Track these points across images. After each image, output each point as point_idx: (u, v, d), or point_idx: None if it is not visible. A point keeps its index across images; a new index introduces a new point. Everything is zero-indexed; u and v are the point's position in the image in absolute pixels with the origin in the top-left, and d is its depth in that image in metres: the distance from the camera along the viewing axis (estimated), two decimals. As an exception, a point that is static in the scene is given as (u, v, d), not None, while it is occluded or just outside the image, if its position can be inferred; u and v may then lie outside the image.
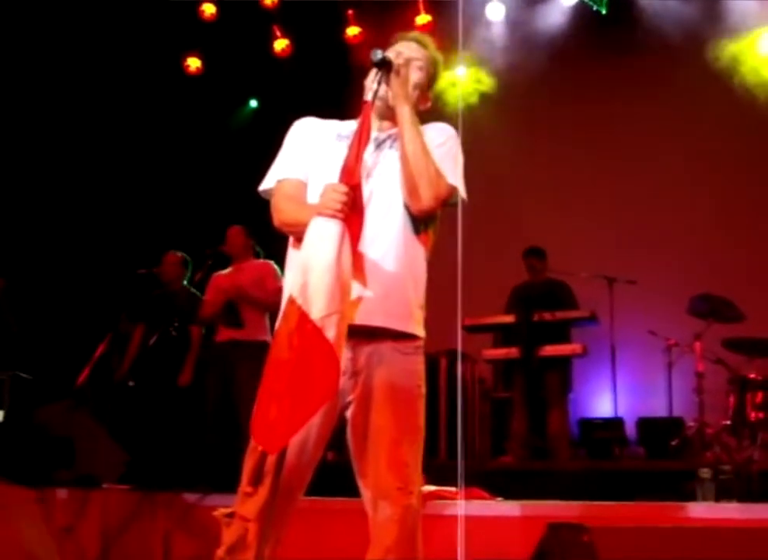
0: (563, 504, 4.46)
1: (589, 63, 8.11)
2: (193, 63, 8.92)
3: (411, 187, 2.56)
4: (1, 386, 5.00)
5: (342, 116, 2.85)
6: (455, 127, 2.85)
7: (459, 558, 2.78)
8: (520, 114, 8.18)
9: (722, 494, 4.50)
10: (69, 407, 6.12)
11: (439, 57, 2.84)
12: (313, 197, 2.58)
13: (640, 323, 7.09)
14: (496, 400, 7.29)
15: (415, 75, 2.71)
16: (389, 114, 2.68)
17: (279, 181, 2.70)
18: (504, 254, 7.59)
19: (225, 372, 6.08)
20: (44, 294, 7.78)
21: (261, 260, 6.43)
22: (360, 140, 2.47)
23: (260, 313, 6.16)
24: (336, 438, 2.59)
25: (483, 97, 8.34)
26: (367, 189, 2.53)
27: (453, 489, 4.61)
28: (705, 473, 4.56)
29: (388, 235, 2.57)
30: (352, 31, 8.71)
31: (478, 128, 7.68)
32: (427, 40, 2.84)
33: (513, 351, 6.87)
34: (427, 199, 2.56)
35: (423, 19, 8.42)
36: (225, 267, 6.59)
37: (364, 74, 2.72)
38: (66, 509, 5.23)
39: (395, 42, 2.80)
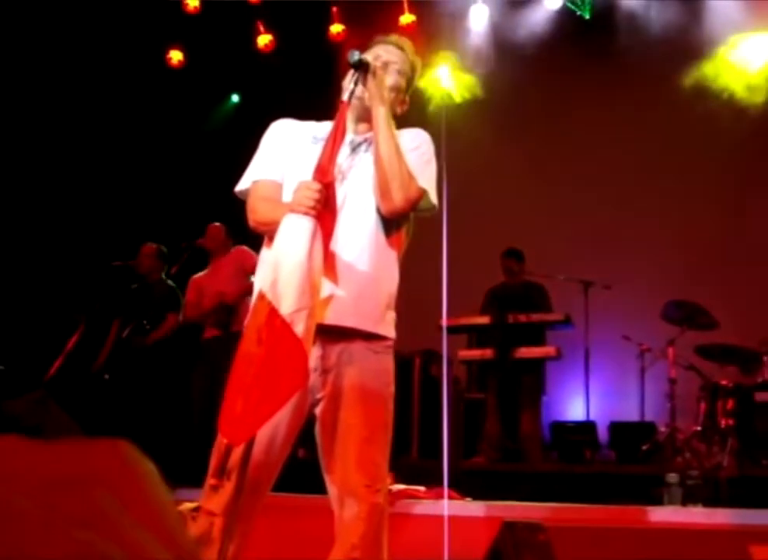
0: (532, 505, 4.49)
1: (571, 67, 8.14)
2: (176, 56, 8.88)
3: (383, 188, 2.57)
4: (-30, 376, 4.96)
5: (323, 113, 2.86)
6: (437, 129, 2.86)
7: (444, 557, 2.80)
8: (501, 117, 8.21)
9: (689, 499, 4.54)
10: (40, 399, 6.08)
11: (418, 61, 2.86)
12: (288, 198, 2.57)
13: (615, 327, 7.13)
14: (469, 400, 7.30)
15: (392, 78, 2.72)
16: (365, 116, 2.69)
17: (254, 182, 2.71)
18: (480, 256, 7.60)
19: (212, 368, 6.05)
20: (17, 284, 7.72)
21: (233, 250, 6.43)
22: (334, 139, 2.48)
23: (246, 302, 6.14)
24: (306, 435, 2.59)
25: (465, 99, 8.35)
26: (341, 191, 2.55)
27: (422, 488, 4.63)
28: (672, 478, 4.60)
29: (361, 236, 2.58)
30: (336, 29, 8.70)
31: (459, 130, 7.71)
32: (407, 43, 2.85)
33: (488, 353, 6.90)
34: (398, 200, 2.58)
35: (407, 18, 8.42)
36: (201, 262, 6.58)
37: (346, 72, 2.72)
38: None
39: (374, 44, 2.81)
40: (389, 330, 2.63)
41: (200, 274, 6.56)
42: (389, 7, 8.36)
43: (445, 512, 3.34)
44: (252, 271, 2.71)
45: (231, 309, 6.19)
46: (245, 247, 6.20)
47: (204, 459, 2.56)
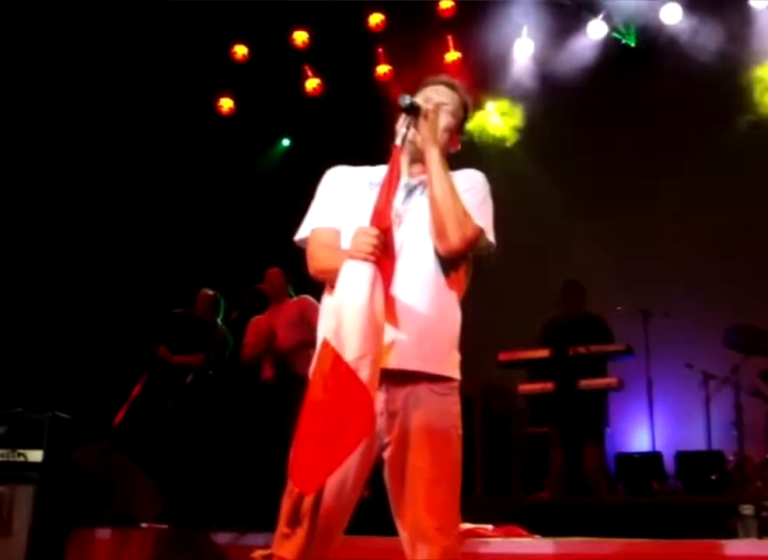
0: (602, 541, 4.42)
1: (617, 96, 8.11)
2: (226, 104, 9.06)
3: (439, 228, 2.59)
4: (40, 426, 5.06)
5: (373, 154, 2.89)
6: (489, 165, 2.88)
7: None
8: (550, 149, 8.19)
9: (765, 530, 4.43)
10: (106, 447, 6.17)
11: (469, 100, 2.88)
12: (347, 245, 2.59)
13: (676, 356, 7.03)
14: (532, 435, 7.23)
15: (444, 120, 2.74)
16: (419, 159, 2.71)
17: (313, 230, 2.73)
18: (537, 289, 7.58)
19: (274, 409, 6.08)
20: (83, 333, 7.86)
21: (296, 298, 6.47)
22: (390, 183, 2.50)
23: (304, 348, 6.17)
24: (372, 476, 2.59)
25: (515, 133, 8.37)
26: (399, 235, 2.56)
27: (489, 527, 4.59)
28: (747, 509, 4.49)
29: (420, 279, 2.59)
30: (382, 69, 8.80)
31: (512, 163, 7.75)
32: (457, 83, 2.88)
33: (548, 386, 6.84)
34: (454, 240, 2.58)
35: (452, 55, 8.49)
36: (260, 307, 6.64)
37: (394, 111, 2.76)
38: (105, 549, 5.27)
39: (425, 86, 2.84)
40: (453, 371, 2.62)
41: (259, 316, 6.62)
42: (435, 45, 8.44)
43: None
44: (314, 321, 2.71)
45: (282, 356, 6.22)
46: (310, 298, 6.20)
47: (270, 503, 2.58)
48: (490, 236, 2.70)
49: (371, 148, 3.05)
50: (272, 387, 6.22)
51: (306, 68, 8.98)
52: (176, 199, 8.58)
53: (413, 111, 2.64)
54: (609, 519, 5.59)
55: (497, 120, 8.42)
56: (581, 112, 8.04)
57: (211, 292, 6.93)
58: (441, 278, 2.63)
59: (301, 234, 2.77)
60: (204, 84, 8.67)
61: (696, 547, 4.21)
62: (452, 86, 2.85)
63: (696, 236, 7.72)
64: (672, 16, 7.96)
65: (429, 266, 2.62)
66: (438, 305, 2.60)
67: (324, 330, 2.42)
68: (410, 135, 2.65)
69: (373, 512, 3.04)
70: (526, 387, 7.06)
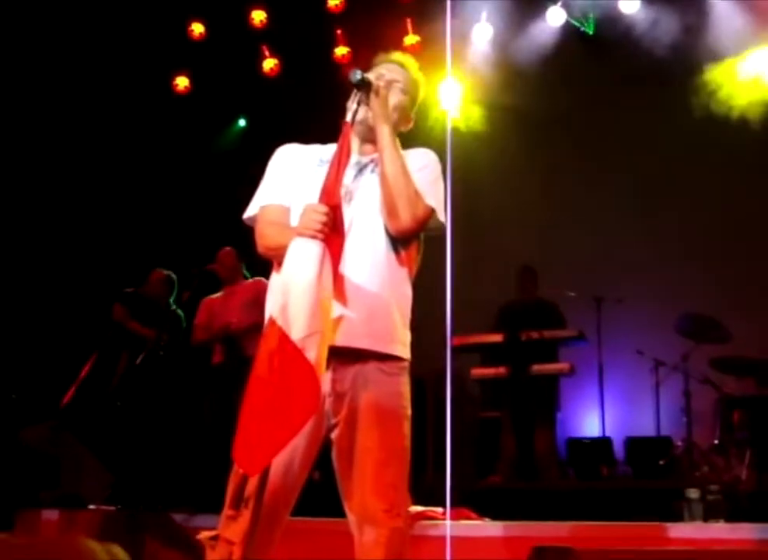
0: (551, 524, 4.45)
1: (576, 83, 8.14)
2: (182, 82, 8.93)
3: (390, 207, 2.57)
4: (-15, 406, 4.98)
5: (330, 135, 2.85)
6: (443, 146, 2.86)
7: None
8: (509, 134, 8.19)
9: (710, 514, 4.49)
10: (54, 427, 6.08)
11: (421, 78, 2.86)
12: (296, 223, 2.57)
13: (628, 342, 7.09)
14: (484, 419, 7.27)
15: (396, 97, 2.72)
16: (370, 136, 2.68)
17: (262, 208, 2.70)
18: (492, 273, 7.59)
19: (222, 394, 6.03)
20: (29, 312, 7.74)
21: (252, 280, 6.39)
22: (339, 161, 2.47)
23: (258, 331, 6.12)
24: (322, 458, 2.57)
25: (471, 117, 8.36)
26: (349, 213, 2.54)
27: (440, 509, 4.60)
28: (693, 493, 4.55)
29: (370, 257, 2.57)
30: (340, 51, 8.73)
31: (466, 148, 7.71)
32: (410, 61, 2.85)
33: (501, 371, 6.87)
34: (405, 219, 2.57)
35: (411, 39, 8.45)
36: (212, 287, 6.57)
37: (350, 93, 2.72)
38: (51, 530, 5.20)
39: (377, 63, 2.82)
40: (403, 350, 2.61)
41: (213, 296, 6.54)
42: (394, 28, 8.39)
43: (448, 533, 3.32)
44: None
45: (234, 339, 6.17)
46: (263, 280, 6.14)
47: (220, 485, 2.55)
48: (441, 217, 2.69)
49: (327, 129, 3.01)
50: (222, 371, 6.17)
51: (264, 47, 8.89)
52: (131, 178, 8.47)
53: (365, 87, 2.61)
54: (559, 503, 5.65)
55: (456, 103, 8.40)
56: (538, 97, 8.03)
57: (165, 272, 6.83)
58: (392, 257, 2.61)
59: (249, 212, 2.74)
60: (160, 62, 8.54)
61: (642, 530, 4.27)
62: (404, 64, 2.83)
63: (650, 223, 7.77)
64: (630, 6, 7.99)
65: (379, 244, 2.60)
66: (387, 283, 2.58)
67: (271, 308, 2.38)
68: (360, 112, 2.62)
69: (322, 493, 3.03)
70: (479, 372, 7.09)
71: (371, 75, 2.67)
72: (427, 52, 8.14)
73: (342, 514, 2.57)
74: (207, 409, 6.15)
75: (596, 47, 8.27)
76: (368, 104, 2.62)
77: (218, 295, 6.53)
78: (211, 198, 8.28)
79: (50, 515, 5.30)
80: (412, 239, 2.68)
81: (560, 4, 8.19)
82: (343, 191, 2.50)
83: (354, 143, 2.65)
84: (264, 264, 2.82)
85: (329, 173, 2.47)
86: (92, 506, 5.62)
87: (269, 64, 8.90)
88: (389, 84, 2.70)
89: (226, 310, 6.32)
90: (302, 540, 3.88)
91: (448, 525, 3.99)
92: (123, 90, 8.30)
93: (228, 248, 6.48)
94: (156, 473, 6.05)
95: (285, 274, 2.35)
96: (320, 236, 2.35)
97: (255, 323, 5.90)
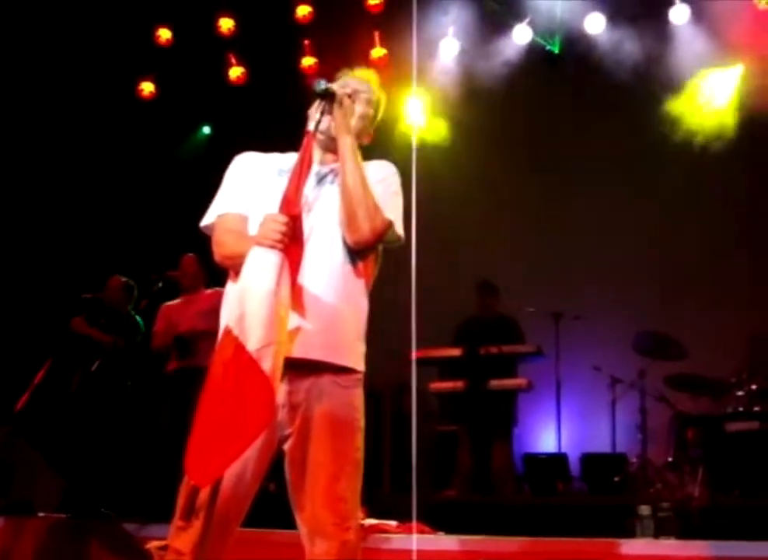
0: (505, 539, 4.47)
1: (540, 100, 8.21)
2: (147, 87, 8.87)
3: (349, 218, 2.56)
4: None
5: (294, 145, 2.85)
6: (405, 161, 2.86)
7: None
8: (470, 150, 8.24)
9: (661, 530, 4.54)
10: (8, 433, 6.00)
11: (383, 94, 2.86)
12: (254, 232, 2.55)
13: (586, 358, 7.14)
14: (441, 433, 7.27)
15: (360, 107, 2.72)
16: (331, 146, 2.68)
17: (219, 216, 2.68)
18: (451, 288, 7.61)
19: (179, 401, 5.99)
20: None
21: (212, 290, 6.36)
22: (301, 170, 2.46)
23: (212, 339, 6.08)
24: (277, 469, 2.56)
25: (435, 131, 8.40)
26: (308, 223, 2.52)
27: (394, 523, 4.60)
28: (644, 510, 4.60)
29: (328, 268, 2.56)
30: (307, 61, 8.73)
31: (429, 162, 7.73)
32: (373, 76, 2.86)
33: (459, 385, 6.89)
34: (363, 231, 2.56)
35: (378, 52, 8.47)
36: (172, 294, 6.53)
37: (311, 99, 2.72)
38: (0, 537, 5.12)
39: (341, 76, 2.82)
40: (358, 362, 2.60)
41: (171, 303, 6.50)
42: (361, 40, 8.41)
43: (414, 547, 3.31)
44: None
45: (187, 342, 6.14)
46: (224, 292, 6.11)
47: (171, 495, 2.52)
48: (399, 229, 2.69)
49: (291, 139, 3.00)
50: (175, 378, 6.14)
51: (231, 55, 8.87)
52: (93, 183, 8.39)
53: (328, 97, 2.61)
54: (514, 518, 5.66)
55: (420, 117, 8.43)
56: (502, 113, 8.10)
57: (123, 279, 6.78)
58: (349, 268, 2.61)
59: (206, 220, 2.71)
60: (126, 67, 8.48)
61: (594, 546, 4.30)
62: (368, 80, 2.83)
63: (609, 240, 7.85)
64: (596, 26, 8.07)
65: (337, 255, 2.59)
66: (344, 294, 2.58)
67: (227, 318, 2.37)
68: (323, 122, 2.62)
69: (277, 505, 3.01)
70: (437, 385, 7.10)
71: (335, 86, 2.67)
72: (394, 65, 8.19)
73: (295, 526, 2.55)
74: (163, 417, 6.10)
75: (561, 65, 8.34)
76: (331, 114, 2.62)
77: (176, 301, 6.49)
78: (174, 205, 8.23)
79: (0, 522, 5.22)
80: (370, 251, 2.68)
81: (526, 22, 8.26)
82: (302, 200, 2.49)
83: (316, 153, 2.64)
84: (224, 274, 2.80)
85: (289, 183, 2.45)
86: (41, 513, 5.55)
87: (235, 72, 8.88)
88: (354, 94, 2.70)
89: (183, 318, 6.29)
90: (253, 552, 3.86)
91: (415, 539, 3.97)
92: (88, 94, 8.23)
93: (190, 255, 6.45)
94: (109, 481, 5.99)
95: (243, 284, 2.33)
96: (279, 245, 2.34)
97: (207, 330, 5.90)
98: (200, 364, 5.90)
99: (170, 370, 6.25)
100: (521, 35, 8.31)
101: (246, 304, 2.28)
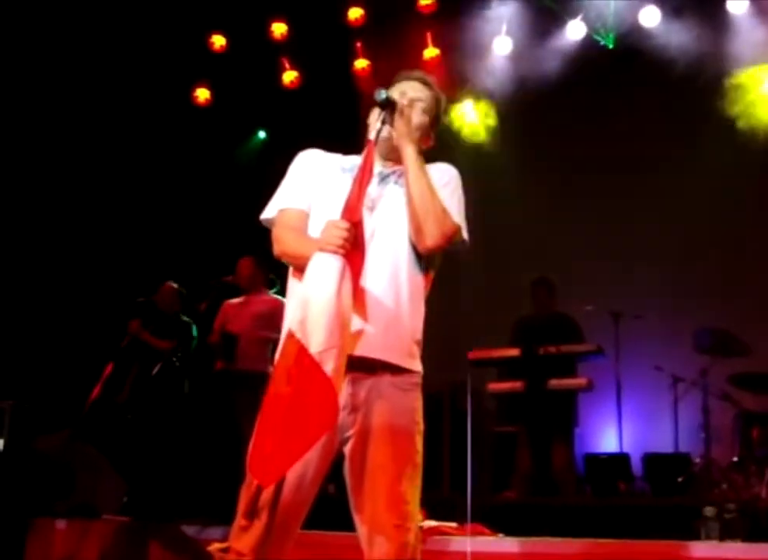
0: (567, 541, 4.42)
1: (597, 97, 8.12)
2: (203, 94, 8.99)
3: (418, 226, 2.57)
4: (1, 414, 4.98)
5: (349, 148, 2.86)
6: (463, 162, 2.86)
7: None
8: (527, 148, 8.19)
9: (726, 533, 4.45)
10: (69, 436, 6.11)
11: (442, 96, 2.85)
12: (315, 228, 2.59)
13: (646, 357, 7.05)
14: (501, 434, 7.23)
15: (418, 116, 2.72)
16: (392, 153, 2.70)
17: (281, 211, 2.70)
18: (509, 287, 7.57)
19: (223, 403, 6.07)
20: (45, 322, 7.77)
21: (272, 296, 6.42)
22: (363, 178, 2.48)
23: (263, 344, 6.15)
24: (336, 471, 2.57)
25: (491, 131, 8.36)
26: (370, 223, 2.54)
27: (455, 525, 4.58)
28: (709, 511, 4.51)
29: (390, 270, 2.57)
30: (360, 64, 8.77)
31: (486, 161, 7.73)
32: (431, 79, 2.85)
33: (518, 385, 6.83)
34: (434, 237, 2.57)
35: (430, 52, 8.47)
36: (236, 295, 6.61)
37: (370, 107, 2.73)
38: (65, 540, 5.21)
39: (398, 81, 2.82)
40: (415, 364, 2.61)
41: (232, 300, 6.59)
42: (413, 41, 8.41)
43: (468, 548, 3.30)
44: (280, 327, 2.66)
45: (233, 342, 6.20)
46: (282, 301, 6.15)
47: (233, 497, 2.54)
48: (465, 233, 2.70)
49: (346, 141, 3.01)
50: (218, 380, 6.22)
51: (284, 60, 8.93)
52: (151, 189, 8.51)
53: (389, 106, 2.62)
54: (575, 519, 5.60)
55: (474, 117, 8.40)
56: (558, 111, 8.03)
57: (175, 285, 6.89)
58: (411, 270, 2.62)
59: (267, 214, 2.74)
60: (181, 74, 8.60)
61: (658, 548, 4.23)
62: (426, 82, 2.83)
63: (670, 238, 7.75)
64: (651, 19, 7.97)
65: (399, 257, 2.60)
66: (405, 297, 2.58)
67: (290, 322, 2.39)
68: (384, 131, 2.63)
69: (337, 507, 3.01)
70: (496, 386, 7.06)
71: (394, 93, 2.67)
72: (447, 65, 8.18)
73: (353, 529, 2.56)
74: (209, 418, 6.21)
75: (617, 59, 8.24)
76: (391, 123, 2.63)
77: (236, 300, 6.56)
78: (232, 210, 8.31)
79: (63, 525, 5.31)
80: (435, 256, 2.69)
81: (580, 18, 8.18)
82: (365, 200, 2.50)
83: (377, 159, 2.65)
84: (284, 268, 2.82)
85: (351, 190, 2.47)
86: (105, 516, 5.63)
87: (289, 76, 8.96)
88: (412, 102, 2.70)
89: (237, 318, 6.37)
90: (313, 553, 3.87)
91: (469, 541, 3.95)
92: (145, 101, 8.35)
93: (246, 258, 6.51)
94: (170, 483, 6.06)
95: (306, 289, 2.36)
96: (341, 251, 2.36)
97: (263, 338, 5.96)
98: (244, 367, 6.01)
99: (216, 370, 6.32)
100: (575, 31, 8.24)
101: (309, 309, 2.31)
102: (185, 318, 6.74)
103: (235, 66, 8.65)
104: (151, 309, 6.74)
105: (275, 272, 6.28)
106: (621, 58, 8.16)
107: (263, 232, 2.79)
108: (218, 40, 8.76)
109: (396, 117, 2.63)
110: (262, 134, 9.65)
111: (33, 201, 7.94)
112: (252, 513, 2.40)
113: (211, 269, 6.92)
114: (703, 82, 7.50)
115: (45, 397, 6.55)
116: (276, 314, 6.05)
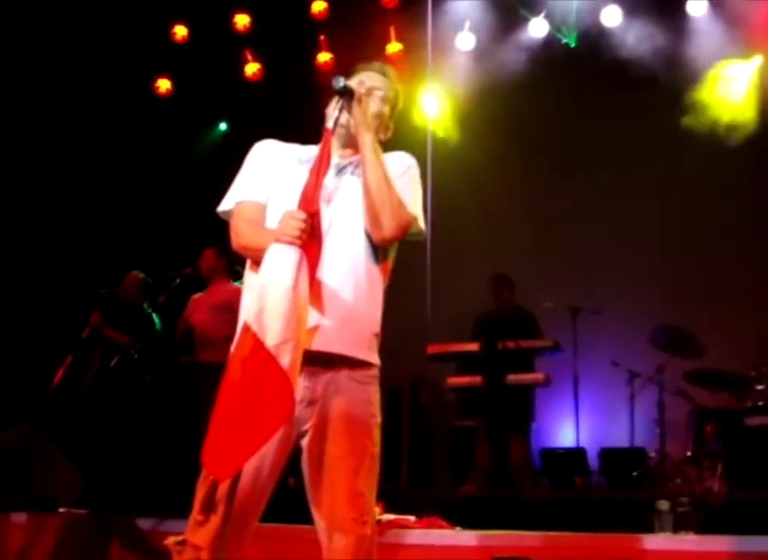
0: (522, 534, 4.46)
1: (556, 95, 8.16)
2: (164, 84, 8.91)
3: (374, 216, 2.56)
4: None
5: (310, 140, 2.86)
6: (422, 155, 2.86)
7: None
8: (487, 143, 8.21)
9: (680, 525, 4.51)
10: (27, 429, 6.05)
11: (401, 87, 2.86)
12: (272, 220, 2.57)
13: (604, 353, 7.12)
14: (459, 428, 7.27)
15: (376, 105, 2.72)
16: (350, 142, 2.69)
17: (238, 203, 2.69)
18: (469, 283, 7.60)
19: (184, 395, 6.06)
20: (4, 313, 7.68)
21: (234, 286, 6.38)
22: (320, 167, 2.46)
23: (220, 335, 6.11)
24: (295, 464, 2.57)
25: (452, 126, 8.39)
26: (327, 215, 2.53)
27: (411, 518, 4.60)
28: (663, 505, 4.57)
29: (347, 262, 2.57)
30: (323, 57, 8.74)
31: (444, 156, 7.74)
32: (390, 70, 2.85)
33: (477, 379, 6.88)
34: (389, 228, 2.57)
35: (393, 47, 8.47)
36: (195, 290, 6.57)
37: (330, 98, 2.73)
38: (21, 533, 5.16)
39: (357, 71, 2.81)
40: (373, 356, 2.61)
41: (197, 295, 6.55)
42: (377, 36, 8.41)
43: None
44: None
45: (189, 332, 6.19)
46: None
47: (189, 490, 2.53)
48: (422, 223, 2.70)
49: (307, 134, 3.01)
50: (182, 373, 6.20)
51: (247, 52, 8.88)
52: (110, 179, 8.42)
53: (347, 95, 2.61)
54: (532, 513, 5.65)
55: (436, 112, 8.43)
56: (520, 107, 8.07)
57: (140, 275, 6.82)
58: (368, 262, 2.61)
59: (224, 206, 2.72)
60: (142, 64, 8.52)
61: (613, 541, 4.29)
62: (384, 73, 2.83)
63: (627, 235, 7.83)
64: (612, 19, 8.04)
65: (357, 249, 2.60)
66: (363, 289, 2.58)
67: (246, 314, 2.38)
68: (342, 119, 2.62)
69: (296, 500, 3.02)
70: (455, 380, 7.10)
71: (352, 82, 2.67)
72: (410, 60, 8.18)
73: (312, 522, 2.56)
74: (172, 411, 6.18)
75: (579, 58, 8.30)
76: (349, 111, 2.62)
77: (199, 294, 6.53)
78: (191, 201, 8.25)
79: (19, 518, 5.26)
80: (391, 247, 2.69)
81: (542, 15, 8.23)
82: (322, 192, 2.49)
83: (334, 148, 2.64)
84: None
85: (308, 180, 2.46)
86: (62, 509, 5.59)
87: (251, 68, 8.91)
88: (370, 91, 2.70)
89: (197, 310, 6.34)
90: (271, 546, 3.87)
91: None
92: (106, 91, 8.26)
93: (208, 249, 6.47)
94: (127, 476, 6.03)
95: (262, 280, 2.34)
96: (298, 242, 2.35)
97: (222, 328, 5.93)
98: (205, 359, 5.99)
99: (181, 363, 6.30)
100: (537, 28, 8.29)
101: (265, 301, 2.29)
102: (148, 310, 6.69)
103: (197, 57, 8.59)
104: (114, 300, 6.68)
105: (241, 264, 6.24)
106: (583, 56, 8.21)
107: (225, 224, 2.78)
108: (180, 31, 8.69)
109: (354, 105, 2.61)
110: (223, 126, 9.60)
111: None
112: (208, 507, 2.40)
113: (174, 261, 6.87)
114: (663, 81, 7.58)
115: (4, 391, 6.48)
116: (234, 304, 6.04)
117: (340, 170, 2.68)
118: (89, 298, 6.69)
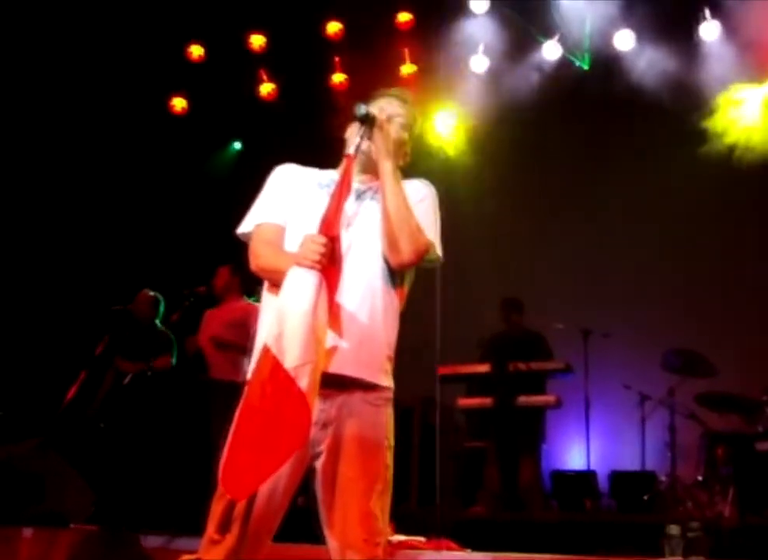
0: (532, 557, 4.45)
1: (569, 117, 8.20)
2: (179, 103, 8.99)
3: (392, 241, 2.59)
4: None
5: (324, 161, 2.89)
6: (436, 178, 2.89)
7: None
8: (500, 167, 8.24)
9: (690, 550, 4.50)
10: (39, 445, 6.07)
11: (418, 114, 2.89)
12: (291, 242, 2.60)
13: (615, 375, 7.11)
14: (469, 449, 7.26)
15: (396, 132, 2.75)
16: (370, 168, 2.72)
17: (257, 225, 2.72)
18: (481, 305, 7.61)
19: (197, 413, 6.08)
20: (19, 330, 7.72)
21: (246, 302, 6.41)
22: (341, 192, 2.49)
23: (236, 353, 6.14)
24: (305, 484, 2.58)
25: (465, 148, 8.42)
26: (346, 239, 2.55)
27: (422, 539, 4.60)
28: (673, 529, 4.56)
29: (365, 286, 2.60)
30: (338, 78, 8.81)
31: (459, 178, 7.77)
32: (408, 96, 2.89)
33: (487, 401, 6.89)
34: (407, 253, 2.60)
35: (408, 68, 8.52)
36: (207, 308, 6.61)
37: (346, 120, 2.76)
38: (32, 548, 5.17)
39: (377, 97, 2.85)
40: (387, 380, 2.62)
41: (211, 309, 6.59)
42: (391, 57, 8.46)
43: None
44: (254, 333, 2.69)
45: (199, 350, 6.23)
46: (257, 307, 6.16)
47: (201, 507, 2.54)
48: (439, 250, 2.74)
49: (321, 155, 3.04)
50: (196, 391, 6.24)
51: (262, 72, 8.95)
52: (125, 197, 8.48)
53: (368, 121, 2.64)
54: (542, 535, 5.64)
55: (449, 134, 8.46)
56: (533, 130, 8.10)
57: (152, 293, 6.87)
58: (385, 286, 2.64)
59: (244, 228, 2.75)
60: (158, 82, 8.60)
61: (623, 566, 4.27)
62: (404, 99, 2.87)
63: (639, 258, 7.83)
64: (625, 43, 8.08)
65: (375, 272, 2.63)
66: (379, 312, 2.61)
67: (265, 336, 2.40)
68: (363, 145, 2.65)
69: (306, 518, 3.03)
70: (465, 402, 7.10)
71: (373, 109, 2.70)
72: (424, 81, 8.23)
73: (322, 541, 2.57)
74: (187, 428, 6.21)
75: (592, 81, 8.33)
76: (370, 138, 2.65)
77: (215, 308, 6.57)
78: (205, 220, 8.31)
79: (30, 533, 5.27)
80: (407, 270, 2.72)
81: (556, 38, 8.27)
82: (342, 217, 2.52)
83: (355, 173, 2.67)
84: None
85: (329, 204, 2.49)
86: (73, 525, 5.60)
87: (266, 88, 8.98)
88: (390, 118, 2.73)
89: (208, 327, 6.38)
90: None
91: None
92: (122, 109, 8.33)
93: (222, 267, 6.52)
94: (139, 493, 6.04)
95: (282, 303, 2.37)
96: (318, 266, 2.38)
97: (234, 344, 5.95)
98: (218, 376, 6.02)
99: (197, 380, 6.34)
100: (550, 51, 8.33)
101: (285, 325, 2.32)
102: (161, 327, 6.73)
103: (213, 76, 8.66)
104: (127, 317, 6.72)
105: (256, 282, 6.26)
106: (596, 79, 8.24)
107: (239, 243, 2.80)
108: (196, 50, 8.77)
109: (375, 131, 2.65)
110: (237, 145, 9.66)
111: (8, 207, 7.89)
112: (224, 526, 2.42)
113: (187, 279, 6.91)
114: (675, 105, 7.60)
115: (15, 405, 6.51)
116: (248, 320, 6.07)
117: (360, 195, 2.71)
118: (103, 315, 6.73)
